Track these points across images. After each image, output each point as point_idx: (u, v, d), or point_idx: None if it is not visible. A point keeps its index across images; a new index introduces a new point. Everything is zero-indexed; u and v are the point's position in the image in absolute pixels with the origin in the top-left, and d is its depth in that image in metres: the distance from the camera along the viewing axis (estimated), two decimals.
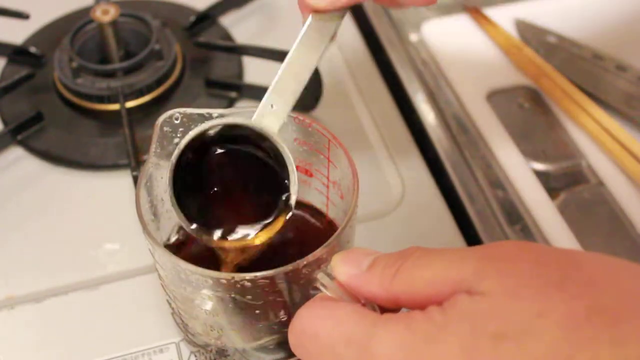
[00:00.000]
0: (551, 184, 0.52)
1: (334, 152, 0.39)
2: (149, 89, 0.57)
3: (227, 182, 0.39)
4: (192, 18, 0.63)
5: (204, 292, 0.35)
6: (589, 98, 0.56)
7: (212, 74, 0.60)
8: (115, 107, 0.56)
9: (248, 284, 0.33)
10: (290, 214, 0.38)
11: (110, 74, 0.57)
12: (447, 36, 0.63)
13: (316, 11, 0.38)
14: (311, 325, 0.30)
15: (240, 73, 0.61)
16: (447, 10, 0.66)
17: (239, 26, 0.65)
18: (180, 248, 0.42)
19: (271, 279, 0.33)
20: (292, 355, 0.34)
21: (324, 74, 0.57)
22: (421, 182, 0.53)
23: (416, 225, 0.50)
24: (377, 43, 0.64)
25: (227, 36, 0.64)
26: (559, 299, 0.26)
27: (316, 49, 0.38)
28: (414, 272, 0.29)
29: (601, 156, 0.53)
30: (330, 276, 0.33)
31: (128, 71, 0.57)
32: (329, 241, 0.34)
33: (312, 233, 0.43)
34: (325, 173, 0.41)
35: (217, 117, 0.39)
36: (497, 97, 0.58)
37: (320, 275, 0.33)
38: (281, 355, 0.39)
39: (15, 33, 0.63)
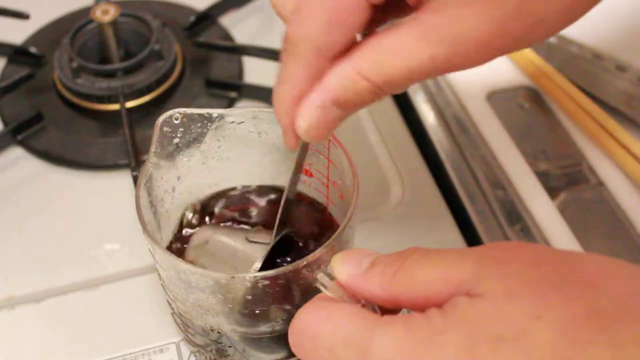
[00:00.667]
0: (551, 184, 0.52)
1: (334, 152, 0.39)
2: (149, 89, 0.57)
3: None
4: (192, 18, 0.63)
5: (202, 292, 0.35)
6: (589, 98, 0.56)
7: (212, 74, 0.60)
8: (115, 107, 0.56)
9: (248, 284, 0.33)
10: None
11: (110, 74, 0.57)
12: None
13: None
14: (310, 326, 0.30)
15: (240, 73, 0.61)
16: None
17: (239, 26, 0.65)
18: (181, 248, 0.43)
19: (271, 279, 0.33)
20: (292, 354, 0.34)
21: None
22: (421, 182, 0.53)
23: (416, 225, 0.50)
24: None
25: (227, 36, 0.64)
26: (557, 300, 0.26)
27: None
28: (413, 273, 0.30)
29: (601, 156, 0.53)
30: (330, 276, 0.33)
31: (128, 71, 0.57)
32: (328, 241, 0.34)
33: (312, 232, 0.43)
34: (325, 173, 0.41)
35: (216, 117, 0.40)
36: (497, 97, 0.58)
37: (320, 276, 0.33)
38: (281, 354, 0.39)
39: (15, 33, 0.63)
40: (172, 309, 0.40)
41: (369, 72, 0.30)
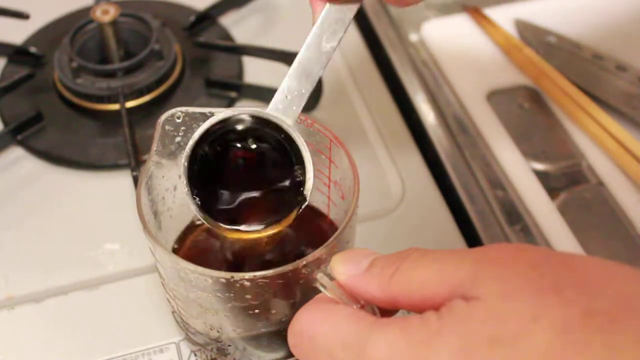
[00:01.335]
0: (551, 184, 0.52)
1: (336, 153, 0.39)
2: (149, 89, 0.57)
3: (240, 176, 0.39)
4: (192, 18, 0.63)
5: (203, 291, 0.35)
6: (589, 98, 0.56)
7: (212, 74, 0.60)
8: (115, 107, 0.56)
9: (247, 283, 0.33)
10: (305, 204, 0.37)
11: (110, 74, 0.57)
12: (447, 36, 0.63)
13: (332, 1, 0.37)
14: (309, 327, 0.31)
15: (240, 73, 0.61)
16: (447, 10, 0.66)
17: (239, 26, 0.65)
18: (181, 247, 0.43)
19: (270, 278, 0.33)
20: (291, 354, 0.34)
21: (323, 74, 0.57)
22: (421, 182, 0.53)
23: (416, 225, 0.50)
24: (377, 43, 0.64)
25: (227, 36, 0.64)
26: (554, 302, 0.26)
27: (332, 37, 0.37)
28: (411, 274, 0.30)
29: (601, 156, 0.53)
30: (329, 276, 0.33)
31: (128, 71, 0.57)
32: (328, 241, 0.34)
33: (313, 233, 0.43)
34: (327, 173, 0.41)
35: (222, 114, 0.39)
36: (497, 97, 0.58)
37: (319, 276, 0.33)
38: (281, 354, 0.39)
39: (15, 33, 0.63)
40: (173, 307, 0.40)
41: None
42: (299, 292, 0.35)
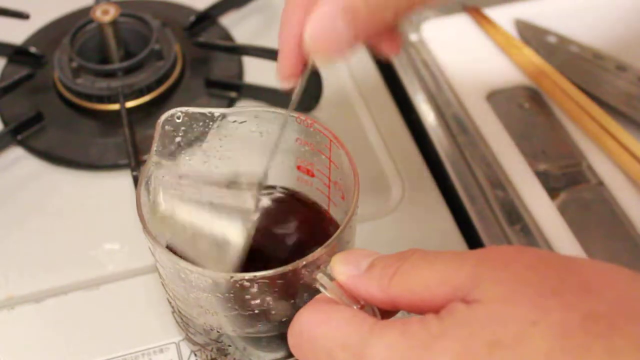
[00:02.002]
0: (551, 184, 0.52)
1: (336, 153, 0.39)
2: (149, 89, 0.57)
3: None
4: (192, 18, 0.63)
5: (202, 291, 0.35)
6: (589, 98, 0.56)
7: (212, 74, 0.60)
8: (115, 107, 0.56)
9: (247, 283, 0.33)
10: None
11: (110, 74, 0.57)
12: (447, 36, 0.63)
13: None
14: (309, 328, 0.31)
15: (240, 73, 0.61)
16: (447, 10, 0.66)
17: (239, 26, 0.65)
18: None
19: (270, 278, 0.33)
20: (292, 354, 0.34)
21: (324, 74, 0.57)
22: (421, 182, 0.53)
23: (416, 225, 0.50)
24: None
25: (227, 36, 0.64)
26: (554, 306, 0.26)
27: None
28: (411, 275, 0.30)
29: (601, 156, 0.53)
30: (329, 277, 0.33)
31: (128, 71, 0.57)
32: (328, 242, 0.34)
33: (313, 233, 0.43)
34: (327, 173, 0.41)
35: (218, 117, 0.40)
36: (497, 97, 0.58)
37: (319, 276, 0.33)
38: (281, 354, 0.39)
39: (15, 33, 0.63)
40: (173, 307, 0.40)
41: None
42: (299, 292, 0.35)
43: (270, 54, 0.58)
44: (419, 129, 0.57)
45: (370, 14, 0.32)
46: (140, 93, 0.57)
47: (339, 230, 0.35)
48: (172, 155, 0.40)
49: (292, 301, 0.35)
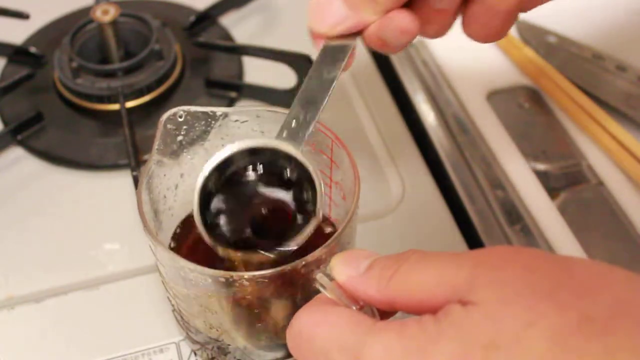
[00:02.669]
0: (551, 184, 0.52)
1: (337, 153, 0.39)
2: (149, 89, 0.57)
3: (250, 203, 0.38)
4: (192, 18, 0.63)
5: (203, 290, 0.35)
6: (589, 98, 0.56)
7: (212, 74, 0.60)
8: (115, 107, 0.56)
9: (246, 283, 0.33)
10: (315, 221, 0.36)
11: (110, 74, 0.57)
12: (447, 36, 0.63)
13: (321, 37, 0.38)
14: (307, 329, 0.31)
15: (240, 73, 0.61)
16: None
17: (239, 26, 0.65)
18: (182, 245, 0.42)
19: (270, 278, 0.33)
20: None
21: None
22: (421, 182, 0.53)
23: (416, 225, 0.50)
24: None
25: (227, 36, 0.64)
26: (550, 308, 0.26)
27: (333, 67, 0.38)
28: (409, 276, 0.30)
29: (601, 156, 0.53)
30: (329, 277, 0.33)
31: (128, 71, 0.57)
32: (328, 242, 0.34)
33: (314, 234, 0.43)
34: (328, 173, 0.41)
35: (220, 116, 0.40)
36: (497, 97, 0.58)
37: (319, 276, 0.33)
38: (281, 353, 0.39)
39: (15, 33, 0.63)
40: (173, 306, 0.40)
41: None
42: (299, 292, 0.35)
43: (270, 54, 0.58)
44: (419, 129, 0.57)
45: None
46: (140, 93, 0.57)
47: (338, 231, 0.35)
48: (174, 154, 0.40)
49: (292, 301, 0.35)
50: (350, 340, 0.29)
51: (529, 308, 0.26)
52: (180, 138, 0.39)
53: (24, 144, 0.55)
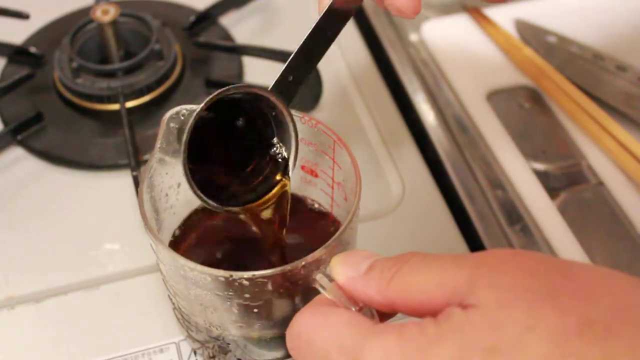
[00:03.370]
0: (551, 184, 0.52)
1: (339, 153, 0.39)
2: (149, 89, 0.57)
3: (231, 150, 0.40)
4: (192, 18, 0.63)
5: (203, 289, 0.35)
6: (589, 98, 0.56)
7: (212, 74, 0.60)
8: (115, 107, 0.56)
9: (246, 282, 0.33)
10: (288, 175, 0.39)
11: (110, 74, 0.57)
12: (447, 36, 0.63)
13: None
14: (307, 330, 0.31)
15: (240, 73, 0.61)
16: (447, 10, 0.66)
17: (239, 26, 0.65)
18: (183, 245, 0.42)
19: (270, 278, 0.33)
20: None
21: (324, 74, 0.57)
22: (421, 182, 0.53)
23: (416, 225, 0.50)
24: (377, 43, 0.64)
25: (227, 36, 0.64)
26: (551, 312, 0.26)
27: (336, 27, 0.38)
28: (409, 278, 0.30)
29: (601, 156, 0.53)
30: (329, 277, 0.33)
31: (128, 71, 0.57)
32: (328, 242, 0.34)
33: (316, 234, 0.43)
34: (330, 174, 0.41)
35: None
36: (497, 97, 0.58)
37: (319, 277, 0.33)
38: (281, 353, 0.39)
39: (15, 33, 0.63)
40: (174, 304, 0.40)
41: None
42: (299, 292, 0.35)
43: (270, 54, 0.58)
44: (419, 129, 0.58)
45: None
46: (140, 93, 0.57)
47: (339, 232, 0.35)
48: (176, 152, 0.40)
49: (292, 301, 0.35)
50: (349, 342, 0.29)
51: (529, 312, 0.26)
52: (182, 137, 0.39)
53: (24, 144, 0.55)
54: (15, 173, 0.54)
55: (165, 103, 0.57)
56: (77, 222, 0.51)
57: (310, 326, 0.31)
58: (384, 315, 0.32)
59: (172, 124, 0.39)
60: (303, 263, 0.33)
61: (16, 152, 0.55)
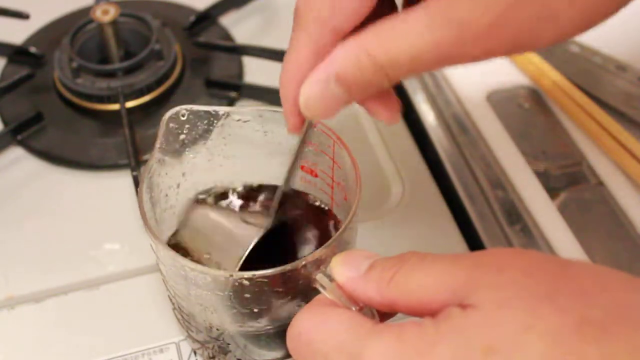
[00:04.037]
0: (551, 184, 0.52)
1: (338, 153, 0.39)
2: (149, 89, 0.57)
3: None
4: (192, 18, 0.63)
5: (203, 289, 0.35)
6: (589, 98, 0.56)
7: (212, 74, 0.60)
8: (115, 107, 0.56)
9: (246, 282, 0.33)
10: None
11: (110, 74, 0.57)
12: None
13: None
14: (307, 331, 0.31)
15: (240, 73, 0.61)
16: None
17: (239, 26, 0.65)
18: (184, 244, 0.42)
19: (270, 278, 0.33)
20: None
21: None
22: (421, 182, 0.53)
23: (416, 226, 0.50)
24: None
25: (227, 36, 0.64)
26: (549, 311, 0.26)
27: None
28: (409, 279, 0.30)
29: (601, 156, 0.53)
30: (329, 277, 0.33)
31: (128, 71, 0.57)
32: (328, 242, 0.34)
33: (316, 234, 0.43)
34: (330, 174, 0.41)
35: (223, 115, 0.40)
36: (497, 97, 0.58)
37: (319, 276, 0.33)
38: (282, 353, 0.39)
39: (15, 33, 0.63)
40: (174, 304, 0.40)
41: (373, 49, 0.30)
42: (299, 292, 0.35)
43: (270, 54, 0.58)
44: (419, 129, 0.57)
45: (366, 80, 0.32)
46: (140, 93, 0.57)
47: (339, 232, 0.35)
48: (176, 152, 0.40)
49: (292, 301, 0.35)
50: (349, 343, 0.29)
51: (527, 311, 0.26)
52: (182, 137, 0.39)
53: (24, 144, 0.55)
54: (15, 173, 0.54)
55: (165, 103, 0.57)
56: (77, 222, 0.51)
57: (310, 326, 0.31)
58: (384, 314, 0.32)
59: (172, 124, 0.39)
60: (303, 263, 0.33)
61: (16, 152, 0.55)
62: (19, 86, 0.58)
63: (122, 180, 0.53)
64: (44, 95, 0.58)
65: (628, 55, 0.59)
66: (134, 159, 0.52)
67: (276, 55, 0.57)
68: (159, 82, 0.57)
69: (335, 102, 0.33)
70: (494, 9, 0.29)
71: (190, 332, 0.41)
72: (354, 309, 0.31)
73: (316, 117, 0.34)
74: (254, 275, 0.33)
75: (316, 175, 0.42)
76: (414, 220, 0.51)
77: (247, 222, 0.40)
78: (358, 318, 0.30)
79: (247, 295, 0.34)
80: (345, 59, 0.31)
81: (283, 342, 0.33)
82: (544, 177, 0.52)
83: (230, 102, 0.58)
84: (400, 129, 0.57)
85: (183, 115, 0.39)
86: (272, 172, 0.43)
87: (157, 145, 0.38)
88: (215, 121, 0.40)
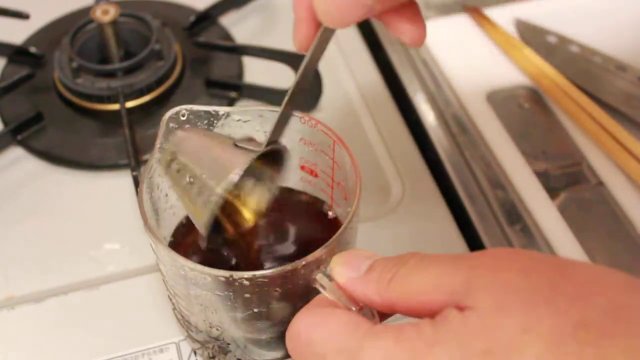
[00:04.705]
0: (551, 184, 0.52)
1: (339, 153, 0.39)
2: (149, 89, 0.57)
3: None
4: (192, 18, 0.63)
5: (203, 289, 0.35)
6: (589, 98, 0.56)
7: (212, 74, 0.60)
8: (115, 107, 0.56)
9: (246, 282, 0.33)
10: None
11: (110, 74, 0.57)
12: (447, 36, 0.63)
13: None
14: (306, 331, 0.31)
15: (240, 73, 0.61)
16: (447, 10, 0.66)
17: (239, 26, 0.65)
18: (183, 244, 0.42)
19: (270, 278, 0.33)
20: None
21: (324, 74, 0.57)
22: (421, 182, 0.53)
23: (416, 226, 0.50)
24: (377, 43, 0.64)
25: (227, 36, 0.64)
26: (546, 312, 0.26)
27: (321, 52, 0.36)
28: (408, 280, 0.30)
29: (601, 156, 0.53)
30: (329, 277, 0.33)
31: (128, 71, 0.57)
32: (328, 242, 0.34)
33: (316, 233, 0.43)
34: (330, 174, 0.41)
35: (223, 115, 0.40)
36: (497, 97, 0.58)
37: (319, 276, 0.33)
38: (282, 352, 0.39)
39: (15, 33, 0.63)
40: (174, 304, 0.40)
41: None
42: (299, 292, 0.35)
43: (270, 54, 0.58)
44: (419, 129, 0.58)
45: None
46: (140, 93, 0.57)
47: (339, 232, 0.35)
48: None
49: (292, 301, 0.35)
50: (348, 344, 0.29)
51: (524, 313, 0.26)
52: None
53: (24, 144, 0.55)
54: (15, 173, 0.54)
55: (165, 103, 0.57)
56: (77, 222, 0.51)
57: (310, 327, 0.31)
58: (383, 315, 0.32)
59: (172, 124, 0.38)
60: (303, 263, 0.33)
61: (16, 152, 0.55)
62: (19, 86, 0.58)
63: (122, 180, 0.53)
64: (44, 95, 0.58)
65: (628, 55, 0.59)
66: (134, 159, 0.52)
67: (276, 55, 0.57)
68: (159, 82, 0.57)
69: (357, 4, 0.30)
70: None
71: (190, 332, 0.41)
72: (353, 309, 0.31)
73: (334, 22, 0.31)
74: (254, 275, 0.33)
75: (316, 175, 0.42)
76: (413, 220, 0.51)
77: (239, 146, 0.38)
78: (357, 319, 0.30)
79: (247, 295, 0.34)
80: None
81: (283, 342, 0.33)
82: (544, 177, 0.52)
83: (230, 102, 0.58)
84: (400, 129, 0.57)
85: (183, 115, 0.39)
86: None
87: (157, 145, 0.38)
88: (215, 121, 0.40)
